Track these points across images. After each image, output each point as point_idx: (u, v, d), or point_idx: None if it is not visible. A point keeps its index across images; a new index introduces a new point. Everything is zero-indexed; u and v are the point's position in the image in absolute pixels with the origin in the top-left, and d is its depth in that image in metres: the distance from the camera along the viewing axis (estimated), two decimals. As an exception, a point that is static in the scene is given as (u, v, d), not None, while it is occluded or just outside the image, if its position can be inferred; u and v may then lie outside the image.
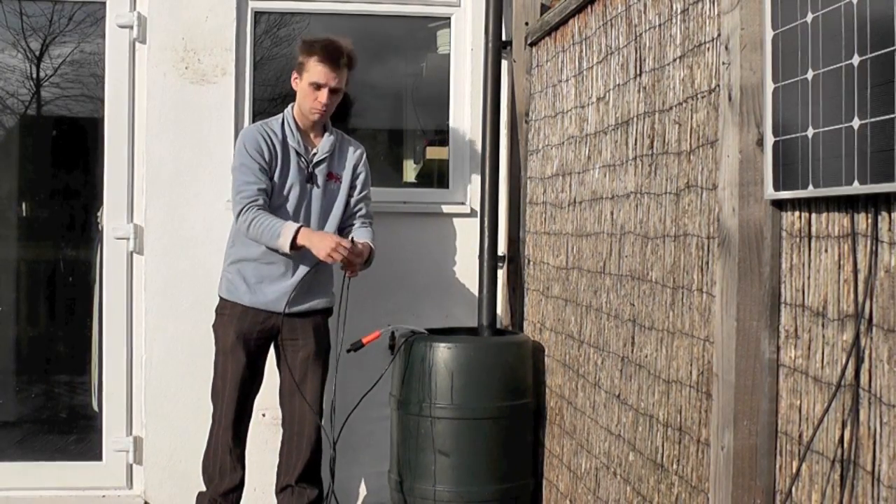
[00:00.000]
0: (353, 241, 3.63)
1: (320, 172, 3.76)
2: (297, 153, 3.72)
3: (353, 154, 3.87)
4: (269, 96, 4.47)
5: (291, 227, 3.55)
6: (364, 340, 3.83)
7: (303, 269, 3.70)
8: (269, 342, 3.79)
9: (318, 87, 3.66)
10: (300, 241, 3.53)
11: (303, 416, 3.79)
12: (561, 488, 3.66)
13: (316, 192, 3.74)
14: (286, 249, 3.55)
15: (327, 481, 3.82)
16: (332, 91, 3.68)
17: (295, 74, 3.72)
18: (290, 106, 3.79)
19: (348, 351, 3.82)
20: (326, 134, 3.80)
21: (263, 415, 4.18)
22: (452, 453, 3.63)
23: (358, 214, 3.88)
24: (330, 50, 3.65)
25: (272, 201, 3.67)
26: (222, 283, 3.79)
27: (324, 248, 3.51)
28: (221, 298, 3.78)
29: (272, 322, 3.70)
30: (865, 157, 1.69)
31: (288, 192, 3.69)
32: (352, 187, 3.85)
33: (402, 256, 4.40)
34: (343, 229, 3.84)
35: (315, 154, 3.76)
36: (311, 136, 3.79)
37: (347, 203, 3.84)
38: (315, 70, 3.65)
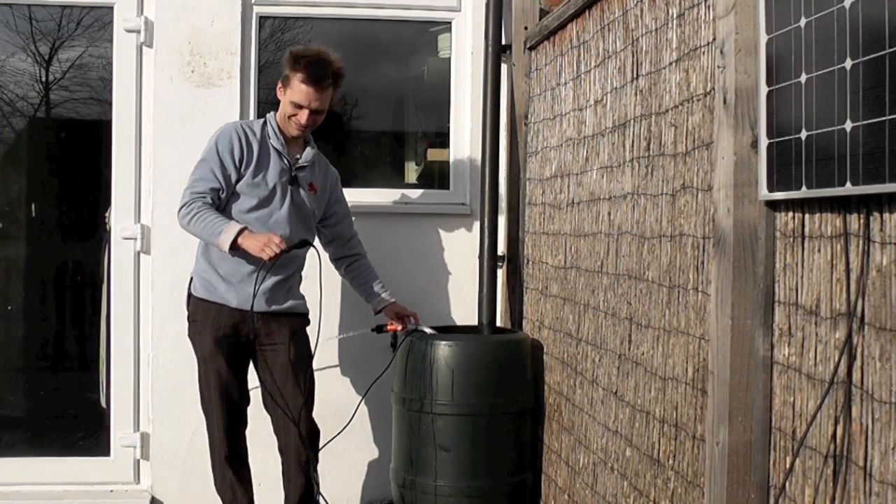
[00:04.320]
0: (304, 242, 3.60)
1: (303, 179, 3.72)
2: (279, 154, 3.67)
3: (331, 175, 3.88)
4: (273, 99, 4.41)
5: (234, 227, 3.46)
6: (388, 327, 3.88)
7: (281, 270, 3.60)
8: (247, 346, 3.67)
9: (299, 107, 3.61)
10: (241, 241, 3.43)
11: (287, 430, 3.67)
12: (559, 483, 3.68)
13: (299, 195, 3.70)
14: (225, 248, 3.45)
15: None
16: (314, 112, 3.63)
17: (280, 85, 3.67)
18: (272, 112, 3.75)
19: (372, 330, 3.87)
20: (308, 147, 3.76)
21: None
22: (453, 449, 3.66)
23: (349, 236, 3.96)
24: (314, 70, 3.57)
25: (250, 195, 3.59)
26: (195, 283, 3.67)
27: (257, 246, 3.42)
28: (195, 299, 3.65)
29: (248, 324, 3.59)
30: (858, 159, 1.70)
31: (269, 188, 3.62)
32: (330, 205, 3.86)
33: (403, 256, 4.41)
34: (332, 240, 3.91)
35: (298, 159, 3.71)
36: (294, 145, 3.73)
37: (326, 213, 3.86)
38: (297, 90, 3.59)
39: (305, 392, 3.66)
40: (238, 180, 3.60)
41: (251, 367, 3.77)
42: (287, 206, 3.66)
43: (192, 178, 3.59)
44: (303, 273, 3.80)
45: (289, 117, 3.65)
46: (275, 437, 3.75)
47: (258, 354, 3.70)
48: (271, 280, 3.60)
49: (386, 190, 4.44)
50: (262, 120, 3.74)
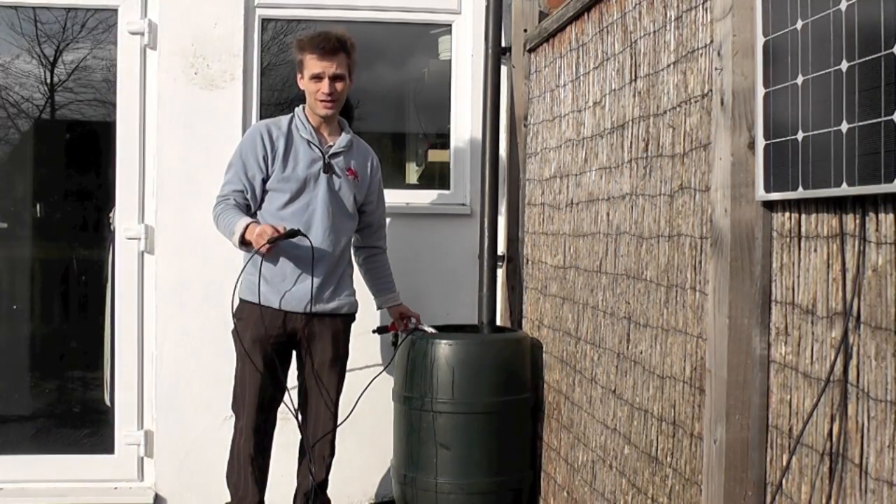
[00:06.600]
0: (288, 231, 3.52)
1: (338, 165, 3.72)
2: (310, 143, 3.68)
3: (372, 159, 3.87)
4: (276, 101, 4.49)
5: (242, 223, 3.49)
6: (389, 326, 3.91)
7: (325, 267, 3.62)
8: (289, 346, 3.69)
9: (318, 78, 3.63)
10: (246, 235, 3.48)
11: (317, 425, 3.73)
12: (558, 480, 3.69)
13: (336, 182, 3.70)
14: (237, 246, 3.53)
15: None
16: (334, 79, 3.64)
17: (298, 75, 3.72)
18: (301, 105, 3.77)
19: (374, 331, 3.88)
20: (343, 133, 3.78)
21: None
22: (453, 446, 3.67)
23: (378, 227, 3.94)
24: (319, 40, 3.63)
25: (282, 190, 3.62)
26: (242, 284, 3.63)
27: (253, 239, 3.46)
28: (241, 300, 3.64)
29: (292, 325, 3.63)
30: (853, 160, 1.71)
31: (300, 181, 3.63)
32: (370, 191, 3.85)
33: (405, 256, 4.41)
34: (360, 229, 3.89)
35: (331, 147, 3.72)
36: (326, 133, 3.75)
37: (364, 199, 3.84)
38: (311, 64, 3.63)
39: (336, 394, 3.74)
40: (268, 178, 3.65)
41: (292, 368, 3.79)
42: (322, 196, 3.66)
43: (221, 184, 3.69)
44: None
45: (314, 98, 3.67)
46: (281, 435, 3.77)
47: (299, 353, 3.73)
48: (316, 280, 3.60)
49: (387, 190, 4.44)
50: (289, 115, 3.76)
